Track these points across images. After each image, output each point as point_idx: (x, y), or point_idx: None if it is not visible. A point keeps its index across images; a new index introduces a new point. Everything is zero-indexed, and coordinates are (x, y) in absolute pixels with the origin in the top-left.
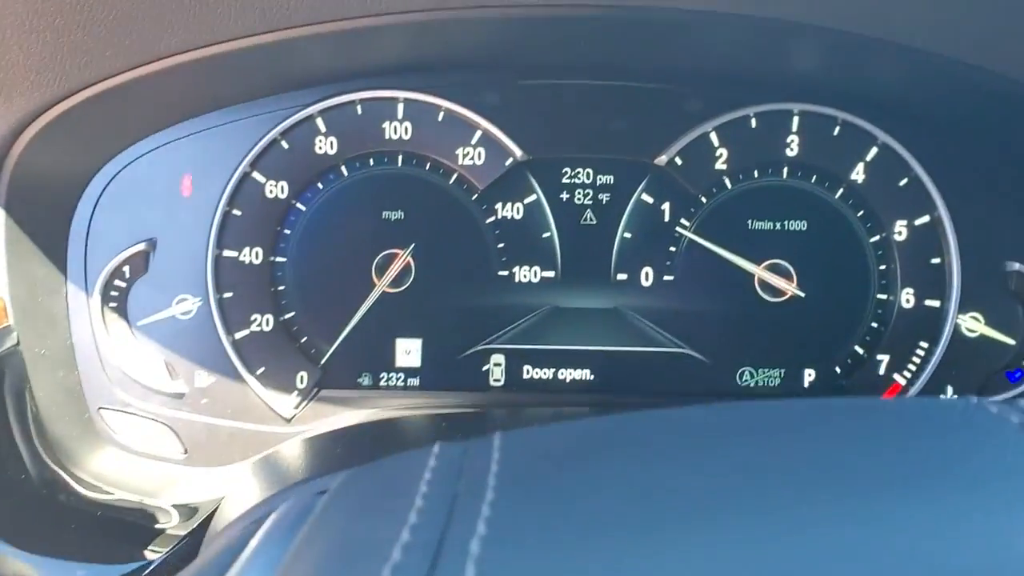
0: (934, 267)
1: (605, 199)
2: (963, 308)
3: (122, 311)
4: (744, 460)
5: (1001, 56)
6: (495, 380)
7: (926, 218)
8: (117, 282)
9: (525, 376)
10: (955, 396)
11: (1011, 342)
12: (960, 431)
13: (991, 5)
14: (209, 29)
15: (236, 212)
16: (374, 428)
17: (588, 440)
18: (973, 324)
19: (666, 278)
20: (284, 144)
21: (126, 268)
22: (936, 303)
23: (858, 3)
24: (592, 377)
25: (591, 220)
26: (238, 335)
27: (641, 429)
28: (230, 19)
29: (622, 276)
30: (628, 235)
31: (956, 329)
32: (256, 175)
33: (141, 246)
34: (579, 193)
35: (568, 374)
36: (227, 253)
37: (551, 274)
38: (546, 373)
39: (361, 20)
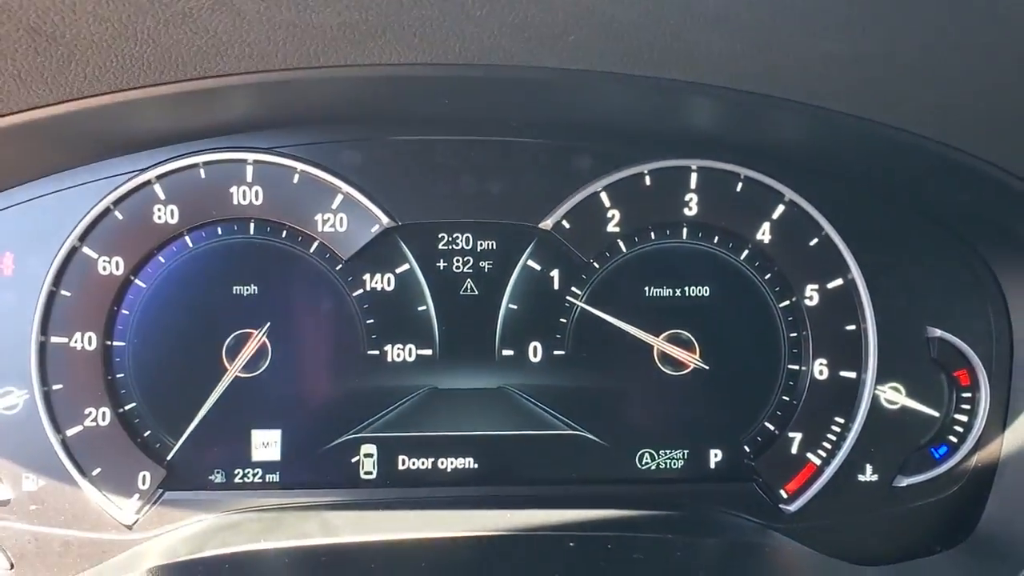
0: (849, 334)
1: (487, 267)
2: (881, 379)
3: None
4: None
5: (901, 114)
6: (366, 473)
7: (839, 281)
8: None
9: (400, 467)
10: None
11: (934, 414)
12: None
13: (883, 65)
14: (25, 94)
15: (64, 292)
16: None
17: None
18: (893, 396)
19: (556, 353)
20: (118, 214)
21: None
22: (852, 374)
23: (745, 64)
24: (476, 466)
25: (472, 290)
26: (70, 432)
27: None
28: (49, 83)
29: (508, 352)
30: (513, 306)
31: (874, 402)
32: (86, 250)
33: None
34: (457, 261)
35: (449, 463)
36: (55, 339)
37: (428, 352)
38: (424, 463)
39: (202, 81)
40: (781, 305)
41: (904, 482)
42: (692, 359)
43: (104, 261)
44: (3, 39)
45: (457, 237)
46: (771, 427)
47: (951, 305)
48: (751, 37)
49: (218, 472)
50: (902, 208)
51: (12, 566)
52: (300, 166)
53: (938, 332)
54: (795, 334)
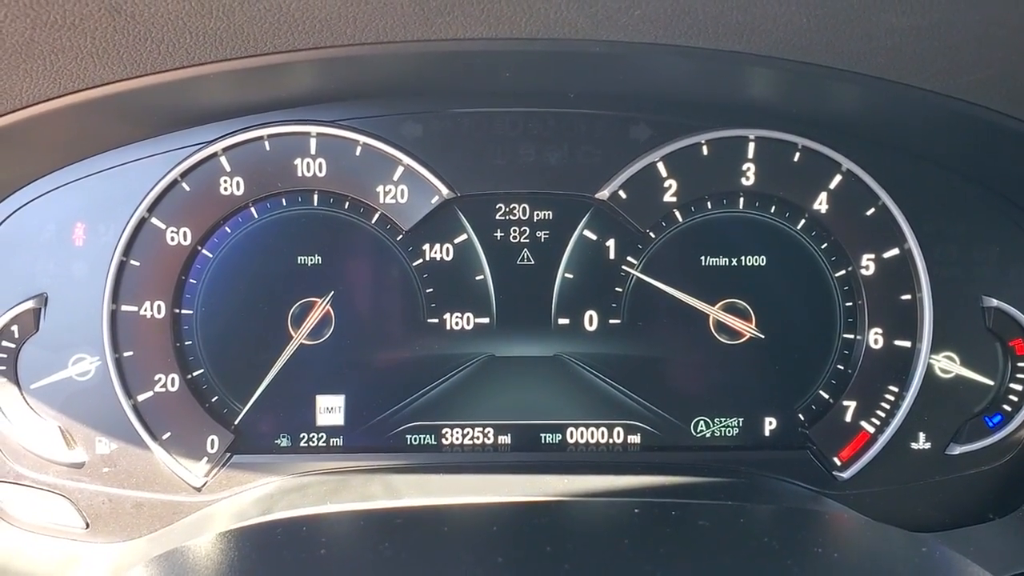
0: (904, 304)
1: (543, 237)
2: (936, 348)
3: (11, 374)
4: None
5: (964, 84)
6: (427, 438)
7: (895, 251)
8: (5, 343)
9: (460, 434)
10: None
11: (989, 383)
12: None
13: (949, 35)
14: (101, 70)
15: (134, 262)
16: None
17: None
18: (947, 365)
19: (612, 322)
20: (185, 186)
21: (14, 327)
22: (907, 343)
23: (809, 37)
24: (532, 433)
25: (528, 260)
26: (140, 397)
27: None
28: (124, 59)
29: (564, 320)
30: (569, 276)
31: (929, 370)
32: (155, 220)
33: (30, 303)
34: (514, 231)
35: (507, 430)
36: (125, 307)
37: (485, 320)
38: (483, 430)
39: (270, 56)
40: (837, 274)
41: (957, 450)
42: (748, 328)
43: (172, 231)
44: (85, 18)
45: (514, 208)
46: (825, 395)
47: (1007, 275)
48: (816, 10)
49: (284, 436)
50: (959, 178)
51: (88, 525)
52: (362, 138)
53: (994, 302)
54: (850, 303)
